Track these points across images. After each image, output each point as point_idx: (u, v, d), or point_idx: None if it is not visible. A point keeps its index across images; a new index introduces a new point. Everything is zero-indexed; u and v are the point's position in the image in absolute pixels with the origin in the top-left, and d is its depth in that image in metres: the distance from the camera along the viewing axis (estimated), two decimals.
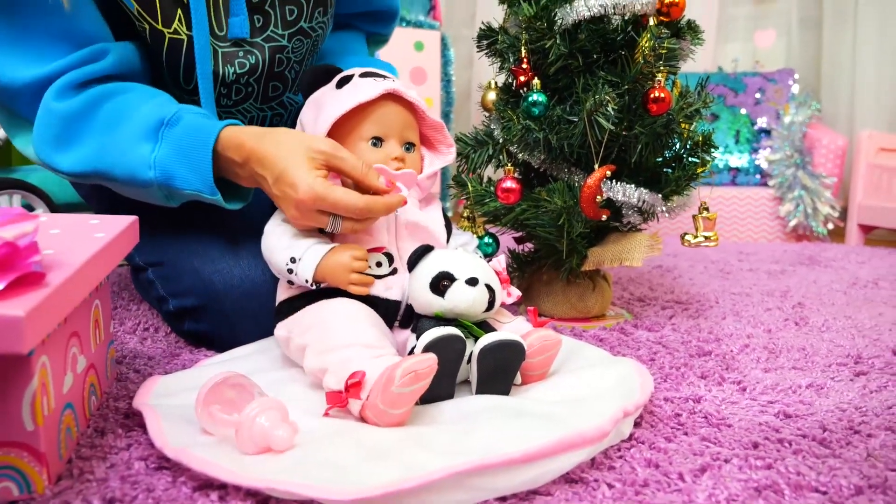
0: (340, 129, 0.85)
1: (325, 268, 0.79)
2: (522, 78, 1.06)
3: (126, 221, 0.80)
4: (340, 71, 0.92)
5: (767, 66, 2.69)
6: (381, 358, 0.71)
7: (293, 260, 0.80)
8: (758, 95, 2.51)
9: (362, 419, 0.69)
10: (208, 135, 0.84)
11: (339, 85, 0.88)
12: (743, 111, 2.49)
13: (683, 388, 0.87)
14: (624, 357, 0.88)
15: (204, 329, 0.98)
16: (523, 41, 1.05)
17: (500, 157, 1.13)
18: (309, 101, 0.91)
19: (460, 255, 0.82)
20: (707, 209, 1.05)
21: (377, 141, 0.86)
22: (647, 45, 0.97)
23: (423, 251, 0.81)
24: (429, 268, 0.79)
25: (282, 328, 0.84)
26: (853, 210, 2.17)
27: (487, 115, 1.17)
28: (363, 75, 0.88)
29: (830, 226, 2.19)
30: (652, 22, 1.01)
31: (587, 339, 1.08)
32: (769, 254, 1.93)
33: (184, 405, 0.72)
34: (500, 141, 1.07)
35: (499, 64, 1.14)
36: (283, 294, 0.86)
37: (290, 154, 0.79)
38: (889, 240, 2.19)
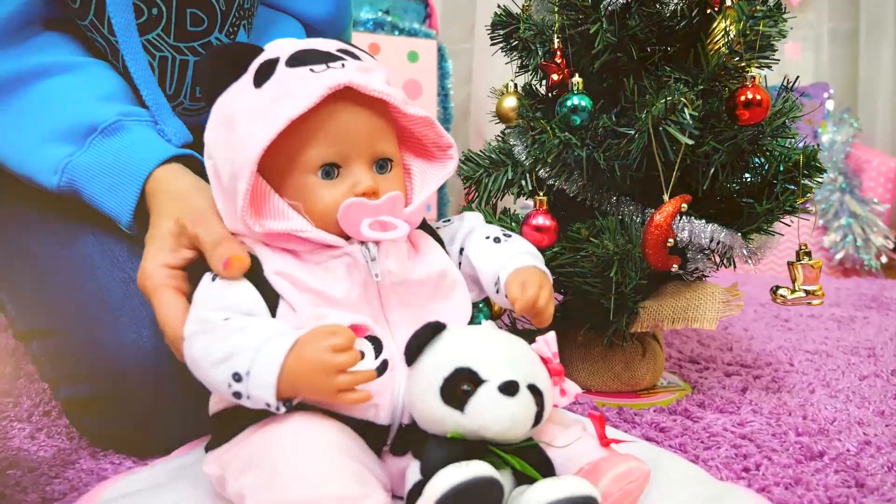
0: (270, 162, 0.55)
1: (292, 376, 0.49)
2: (556, 76, 0.78)
3: None
4: (257, 52, 0.60)
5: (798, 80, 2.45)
6: None
7: (238, 378, 0.50)
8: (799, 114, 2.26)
9: None
10: (143, 164, 0.66)
11: (259, 80, 0.57)
12: None
13: None
14: (740, 488, 0.61)
15: (108, 425, 0.69)
16: (557, 26, 0.78)
17: (523, 182, 0.85)
18: (215, 108, 0.59)
19: (488, 335, 0.54)
20: (809, 254, 0.78)
21: (331, 169, 0.56)
22: (732, 28, 0.70)
23: (431, 333, 0.52)
24: (440, 361, 0.51)
25: (212, 462, 0.54)
26: None
27: (506, 127, 0.89)
28: (292, 60, 0.57)
29: (884, 259, 1.92)
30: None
31: (642, 428, 0.80)
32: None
33: None
34: (528, 161, 0.79)
35: (519, 60, 0.87)
36: (215, 404, 0.57)
37: (155, 233, 0.60)
38: None
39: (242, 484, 0.49)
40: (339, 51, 0.59)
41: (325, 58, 0.57)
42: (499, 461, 0.48)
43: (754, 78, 0.71)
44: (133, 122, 0.70)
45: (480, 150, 0.88)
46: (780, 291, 0.79)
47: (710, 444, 0.76)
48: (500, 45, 0.90)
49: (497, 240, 0.64)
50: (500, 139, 0.91)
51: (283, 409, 0.50)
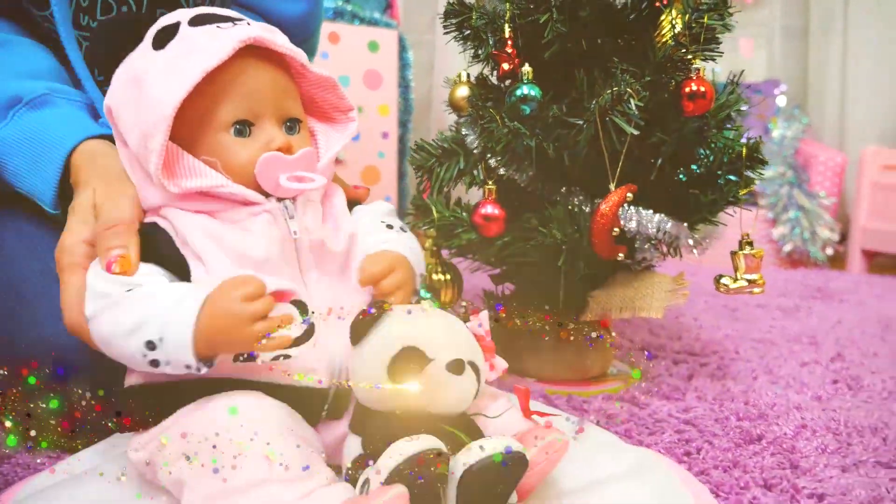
0: (181, 121, 0.54)
1: (207, 333, 0.48)
2: (507, 65, 0.79)
3: None
4: (152, 21, 0.59)
5: (750, 77, 2.50)
6: (311, 497, 0.46)
7: (151, 345, 0.49)
8: (744, 107, 2.31)
9: None
10: (67, 139, 0.63)
11: (159, 43, 0.56)
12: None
13: None
14: (654, 453, 0.64)
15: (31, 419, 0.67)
16: (507, 15, 0.78)
17: (476, 172, 0.85)
18: (118, 74, 0.58)
19: (429, 316, 0.54)
20: (751, 244, 0.79)
21: (243, 127, 0.56)
22: (678, 20, 0.71)
23: (377, 311, 0.52)
24: (385, 341, 0.51)
25: (139, 449, 0.53)
26: (856, 234, 1.97)
27: (459, 117, 0.89)
28: (195, 21, 0.56)
29: (829, 251, 1.98)
30: None
31: (590, 416, 0.81)
32: (771, 284, 1.70)
33: None
34: (478, 150, 0.79)
35: (472, 49, 0.87)
36: (134, 376, 0.55)
37: (76, 206, 0.58)
38: (886, 265, 1.99)
39: (181, 471, 0.48)
40: (236, 18, 0.59)
41: (229, 18, 0.57)
42: (442, 435, 0.49)
43: (699, 70, 0.72)
44: (62, 98, 0.68)
45: (433, 140, 0.88)
46: (723, 280, 0.81)
47: (654, 429, 0.77)
48: (454, 34, 0.89)
49: (390, 226, 0.64)
50: (452, 129, 0.91)
51: (204, 370, 0.49)
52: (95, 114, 0.71)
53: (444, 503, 0.48)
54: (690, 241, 0.83)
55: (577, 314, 0.88)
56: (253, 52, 0.55)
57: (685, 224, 0.83)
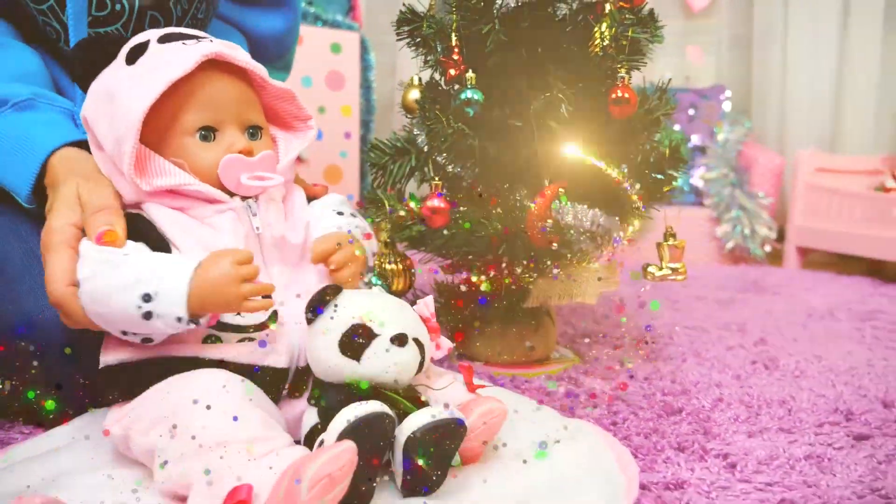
0: (152, 127, 0.61)
1: (200, 290, 0.54)
2: (453, 71, 0.85)
3: None
4: (124, 40, 0.66)
5: (698, 83, 2.62)
6: (269, 455, 0.51)
7: (147, 298, 0.54)
8: (691, 112, 2.42)
9: None
10: (47, 143, 0.68)
11: (131, 59, 0.63)
12: (677, 127, 2.39)
13: (660, 465, 0.68)
14: (585, 422, 0.72)
15: (10, 394, 0.71)
16: (454, 25, 0.85)
17: (426, 169, 0.91)
18: (92, 88, 0.64)
19: (378, 297, 0.61)
20: (674, 236, 0.88)
21: (208, 133, 0.63)
22: (607, 33, 0.78)
23: (330, 293, 0.58)
24: (337, 318, 0.57)
25: (114, 423, 0.58)
26: (791, 232, 2.09)
27: (410, 118, 0.95)
28: (163, 39, 0.64)
29: (768, 248, 2.10)
30: (608, 7, 0.83)
31: (531, 393, 0.88)
32: (712, 278, 1.81)
33: None
34: (426, 149, 0.86)
35: (423, 56, 0.93)
36: (111, 355, 0.60)
37: (62, 193, 0.62)
38: (826, 263, 2.12)
39: (152, 440, 0.53)
40: (201, 36, 0.65)
41: (193, 36, 0.64)
42: (388, 402, 0.55)
43: (624, 78, 0.80)
44: (46, 103, 0.73)
45: (387, 139, 0.94)
46: (650, 269, 0.89)
47: (588, 404, 0.85)
48: (406, 40, 0.96)
49: (340, 213, 0.71)
50: (405, 129, 0.97)
51: (192, 326, 0.55)
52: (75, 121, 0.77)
53: (393, 460, 0.55)
54: (621, 235, 0.91)
55: (521, 302, 0.95)
56: (216, 66, 0.63)
57: (616, 218, 0.90)
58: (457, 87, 0.87)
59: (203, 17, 0.88)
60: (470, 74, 0.82)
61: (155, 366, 0.58)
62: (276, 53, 1.08)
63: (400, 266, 0.97)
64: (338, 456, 0.47)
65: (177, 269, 0.55)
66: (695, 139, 2.35)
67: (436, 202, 0.78)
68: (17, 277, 0.70)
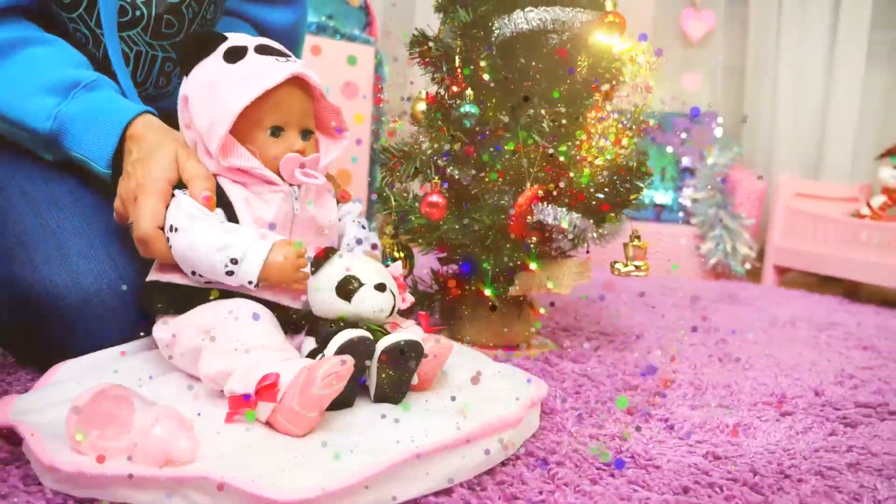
0: (239, 118, 0.76)
1: (271, 267, 0.72)
2: (455, 88, 1.00)
3: None
4: (224, 38, 0.81)
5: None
6: (291, 361, 0.67)
7: (234, 261, 0.71)
8: (683, 135, 2.57)
9: (268, 425, 0.64)
10: (124, 113, 0.83)
11: (231, 58, 0.78)
12: (669, 149, 2.54)
13: (609, 424, 0.81)
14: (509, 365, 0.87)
15: (27, 348, 0.86)
16: (458, 49, 0.99)
17: (428, 171, 1.06)
18: (195, 74, 0.79)
19: (363, 259, 0.79)
20: (639, 237, 1.02)
21: (277, 131, 0.79)
22: (585, 62, 0.93)
23: (327, 253, 0.76)
24: (334, 271, 0.75)
25: (164, 329, 0.75)
26: (770, 251, 2.22)
27: (417, 127, 1.10)
28: (259, 49, 0.79)
29: (748, 266, 2.23)
30: (590, 39, 0.98)
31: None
32: (692, 289, 1.94)
33: (56, 422, 0.61)
34: (428, 153, 1.01)
35: (430, 74, 1.08)
36: (162, 275, 0.77)
37: (160, 154, 0.78)
38: (803, 282, 2.25)
39: (197, 342, 0.70)
40: (287, 54, 0.82)
41: (283, 53, 0.81)
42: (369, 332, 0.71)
43: (598, 101, 0.94)
44: (107, 85, 0.88)
45: (395, 144, 1.09)
46: (617, 265, 1.03)
47: (557, 378, 0.98)
48: (417, 60, 1.11)
49: (363, 226, 0.89)
50: (413, 136, 1.12)
51: (255, 286, 0.72)
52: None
53: (369, 374, 0.72)
54: (594, 235, 1.05)
55: (506, 291, 1.09)
56: (294, 81, 0.79)
57: (591, 221, 1.04)
58: (458, 101, 1.01)
59: (211, 17, 1.03)
60: (469, 91, 0.96)
61: (197, 289, 0.75)
62: (286, 46, 1.21)
63: (402, 254, 1.11)
64: (342, 361, 0.63)
65: (258, 245, 0.72)
66: (686, 161, 2.50)
67: (435, 198, 0.92)
68: (33, 248, 0.83)
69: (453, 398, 0.71)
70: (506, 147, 0.92)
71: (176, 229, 0.73)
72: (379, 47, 2.61)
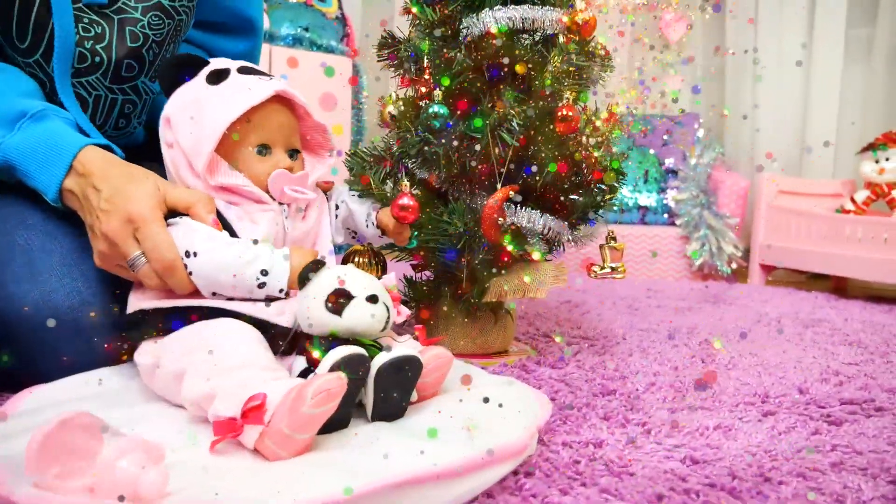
0: (223, 137, 0.76)
1: (294, 272, 0.73)
2: (424, 89, 0.98)
3: None
4: (206, 62, 0.82)
5: (675, 110, 2.77)
6: (280, 380, 0.63)
7: (265, 272, 0.72)
8: (665, 137, 2.56)
9: (256, 451, 0.60)
10: (71, 146, 0.79)
11: (214, 80, 0.79)
12: (651, 151, 2.53)
13: (584, 430, 0.79)
14: (517, 381, 0.83)
15: None
16: (426, 50, 0.97)
17: (399, 175, 1.03)
18: (178, 95, 0.80)
19: (354, 271, 0.75)
20: (615, 239, 0.99)
21: (263, 149, 0.79)
22: (555, 61, 0.91)
23: (315, 266, 0.72)
24: (323, 284, 0.71)
25: (146, 353, 0.72)
26: (755, 250, 2.21)
27: (388, 130, 1.07)
28: (242, 70, 0.80)
29: (734, 265, 2.22)
30: (561, 39, 0.96)
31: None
32: (676, 291, 1.92)
33: (17, 454, 0.56)
34: (397, 155, 0.98)
35: (399, 75, 1.06)
36: (145, 302, 0.74)
37: (141, 184, 0.75)
38: (789, 280, 2.24)
39: (183, 364, 0.66)
40: (269, 74, 0.82)
41: (265, 73, 0.82)
42: (362, 348, 0.68)
43: (569, 99, 0.92)
44: (55, 114, 0.85)
45: (365, 148, 1.06)
46: (593, 268, 1.00)
47: (533, 384, 0.95)
48: (386, 62, 1.08)
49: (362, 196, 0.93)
50: (384, 139, 1.09)
51: (283, 296, 0.73)
52: (79, 128, 0.88)
53: (365, 393, 0.68)
54: (570, 238, 1.02)
55: (481, 297, 1.06)
56: (279, 99, 0.79)
57: (566, 223, 1.02)
58: (426, 102, 0.99)
59: (169, 55, 1.02)
60: (437, 92, 0.93)
61: (184, 311, 0.72)
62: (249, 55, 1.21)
63: (374, 261, 1.08)
64: (334, 378, 0.60)
65: (278, 254, 0.73)
66: (669, 162, 2.48)
67: (406, 200, 0.89)
68: (5, 266, 0.80)
69: (454, 417, 0.67)
70: (476, 147, 0.90)
71: (195, 254, 0.72)
72: (357, 59, 2.59)
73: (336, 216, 0.93)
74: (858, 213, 2.09)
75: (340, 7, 2.72)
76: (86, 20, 0.91)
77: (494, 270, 1.04)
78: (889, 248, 1.79)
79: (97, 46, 0.91)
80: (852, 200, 2.14)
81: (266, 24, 2.44)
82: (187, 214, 0.75)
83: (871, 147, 2.14)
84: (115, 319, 0.80)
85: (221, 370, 0.64)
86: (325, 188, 0.92)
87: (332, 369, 0.63)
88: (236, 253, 0.72)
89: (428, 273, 1.14)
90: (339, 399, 0.60)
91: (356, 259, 1.07)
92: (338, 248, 0.92)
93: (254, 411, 0.59)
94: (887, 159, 2.09)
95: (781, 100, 2.52)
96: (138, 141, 1.10)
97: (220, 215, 0.77)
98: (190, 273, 0.72)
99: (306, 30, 2.44)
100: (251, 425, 0.59)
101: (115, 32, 0.92)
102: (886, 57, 2.36)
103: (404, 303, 1.11)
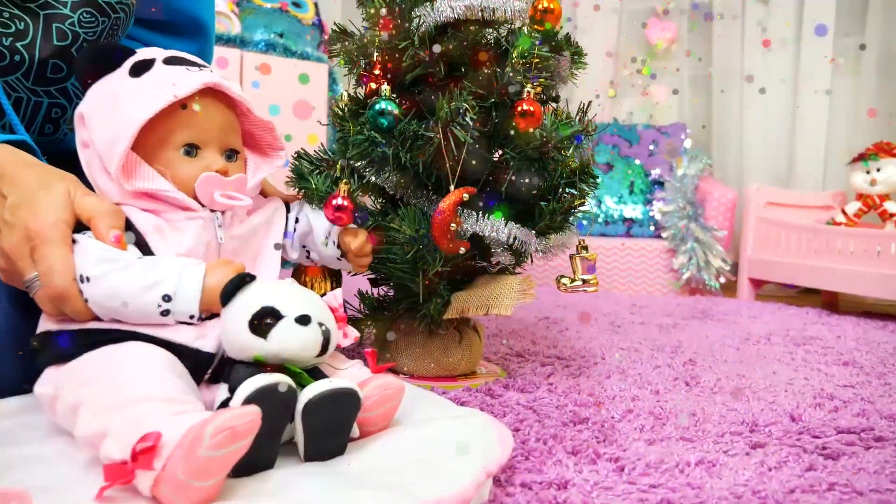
0: (143, 136, 0.67)
1: (212, 293, 0.63)
2: (373, 85, 0.88)
3: None
4: (132, 52, 0.73)
5: (661, 120, 2.69)
6: (184, 415, 0.53)
7: (167, 298, 0.62)
8: (651, 147, 2.48)
9: (154, 499, 0.51)
10: None
11: (136, 72, 0.70)
12: (637, 162, 2.45)
13: (548, 468, 0.69)
14: (476, 410, 0.73)
15: None
16: (375, 43, 0.88)
17: (351, 181, 0.93)
18: (95, 90, 0.71)
19: (288, 287, 0.64)
20: (586, 248, 0.90)
21: (192, 149, 0.71)
22: (516, 52, 0.82)
23: (241, 281, 0.62)
24: (248, 302, 0.61)
25: (46, 384, 0.62)
26: (744, 264, 2.12)
27: (338, 129, 0.98)
28: (168, 61, 0.72)
29: (722, 279, 2.13)
30: (523, 28, 0.87)
31: None
32: (662, 307, 1.83)
33: None
34: (342, 157, 0.88)
35: (348, 70, 0.96)
36: (52, 323, 0.65)
37: (51, 191, 0.65)
38: (780, 294, 2.15)
39: (80, 396, 0.57)
40: (201, 65, 0.74)
41: (196, 63, 0.73)
42: (293, 379, 0.58)
43: (529, 92, 0.83)
44: None
45: (313, 151, 0.96)
46: (563, 280, 0.91)
47: (498, 413, 0.85)
48: (336, 57, 0.99)
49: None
50: (334, 140, 0.99)
51: (198, 320, 0.63)
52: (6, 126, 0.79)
53: (294, 435, 0.58)
54: (538, 247, 0.93)
55: (441, 312, 0.97)
56: (211, 93, 0.70)
57: (533, 232, 0.92)
58: (374, 98, 0.89)
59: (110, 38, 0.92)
60: (385, 87, 0.84)
61: (93, 335, 0.63)
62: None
63: (327, 276, 0.98)
64: (242, 414, 0.50)
65: (189, 273, 0.63)
66: (655, 173, 2.40)
67: (339, 200, 0.79)
68: None
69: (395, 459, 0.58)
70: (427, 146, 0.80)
71: (88, 279, 0.62)
72: (332, 65, 2.51)
73: (294, 229, 0.85)
74: (850, 226, 2.00)
75: (317, 13, 2.65)
76: (6, 14, 0.81)
77: (450, 285, 0.95)
78: (882, 262, 1.70)
79: (17, 44, 0.82)
80: (843, 212, 2.06)
81: (237, 28, 2.35)
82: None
83: (862, 157, 2.07)
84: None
85: (116, 404, 0.54)
86: (290, 200, 0.86)
87: (246, 402, 0.53)
88: (130, 278, 0.62)
89: (385, 288, 1.04)
90: (249, 438, 0.50)
91: (308, 271, 0.97)
92: (290, 266, 0.84)
93: (146, 453, 0.49)
94: (878, 170, 2.02)
95: (769, 110, 2.45)
96: (70, 148, 1.00)
97: (130, 227, 0.67)
98: (86, 300, 0.62)
99: (281, 35, 2.35)
100: (142, 470, 0.49)
101: (41, 30, 0.83)
102: (876, 66, 2.30)
103: (353, 323, 1.01)
